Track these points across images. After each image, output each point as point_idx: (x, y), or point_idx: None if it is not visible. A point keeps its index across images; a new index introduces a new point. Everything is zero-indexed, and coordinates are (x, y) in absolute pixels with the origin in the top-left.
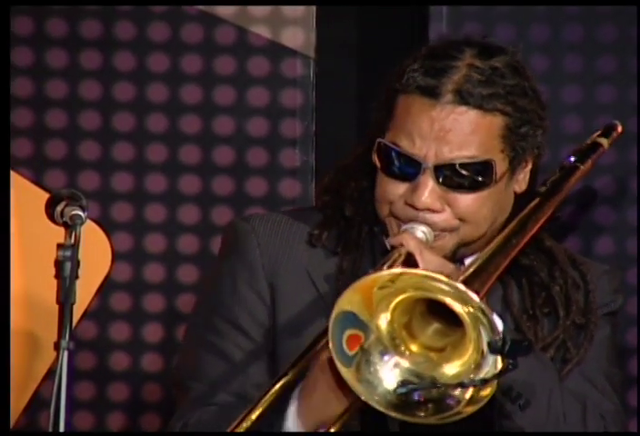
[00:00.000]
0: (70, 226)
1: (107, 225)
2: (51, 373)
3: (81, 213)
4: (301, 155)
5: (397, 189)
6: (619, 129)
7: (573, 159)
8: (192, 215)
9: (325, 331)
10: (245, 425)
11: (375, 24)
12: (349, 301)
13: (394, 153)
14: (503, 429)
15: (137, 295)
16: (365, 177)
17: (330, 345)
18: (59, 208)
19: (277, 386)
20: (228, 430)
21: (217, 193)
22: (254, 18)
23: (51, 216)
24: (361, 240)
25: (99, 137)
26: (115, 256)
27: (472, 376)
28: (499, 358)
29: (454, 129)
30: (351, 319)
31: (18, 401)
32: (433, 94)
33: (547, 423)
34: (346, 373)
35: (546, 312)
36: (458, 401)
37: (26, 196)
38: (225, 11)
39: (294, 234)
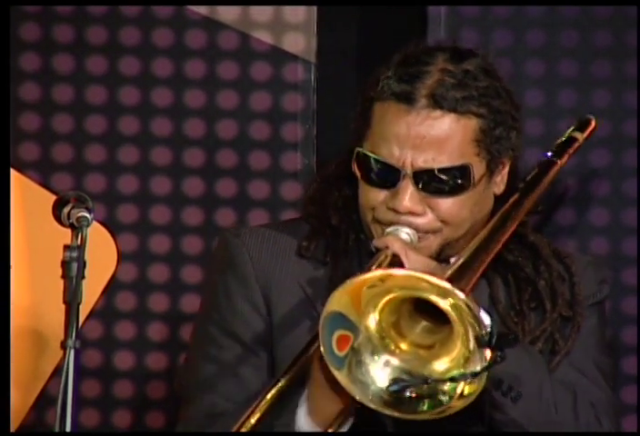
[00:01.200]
0: (76, 228)
1: (113, 227)
2: (58, 371)
3: (87, 214)
4: (302, 158)
5: (379, 196)
6: (593, 123)
7: (550, 154)
8: (195, 217)
9: (315, 338)
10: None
11: (374, 29)
12: (338, 301)
13: (372, 162)
14: (496, 422)
15: (142, 295)
16: (348, 186)
17: (321, 348)
18: (66, 210)
19: (273, 391)
20: None
21: (220, 195)
22: (256, 24)
23: (58, 218)
24: (349, 248)
25: (105, 141)
26: (121, 257)
27: (462, 370)
28: (487, 351)
29: (429, 135)
30: (340, 320)
31: (26, 399)
32: (408, 99)
33: (539, 414)
34: (339, 376)
35: (533, 307)
36: (450, 396)
37: (34, 198)
38: (227, 17)
39: (283, 247)
